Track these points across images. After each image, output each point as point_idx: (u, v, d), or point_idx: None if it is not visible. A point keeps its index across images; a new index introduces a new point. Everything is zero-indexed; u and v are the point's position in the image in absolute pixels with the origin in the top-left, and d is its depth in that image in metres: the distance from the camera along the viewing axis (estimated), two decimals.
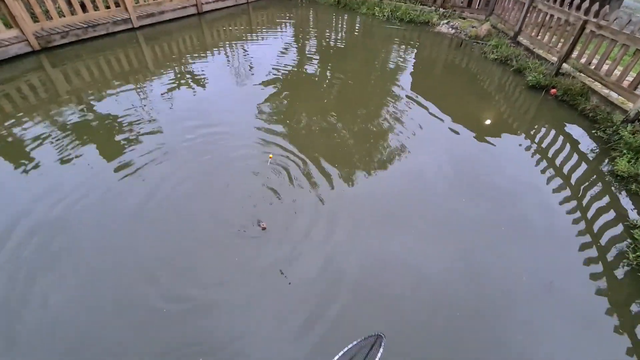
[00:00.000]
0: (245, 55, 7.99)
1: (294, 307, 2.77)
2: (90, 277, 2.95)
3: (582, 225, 3.67)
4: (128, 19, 8.76)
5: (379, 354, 1.79)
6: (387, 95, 6.35)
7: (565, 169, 4.54)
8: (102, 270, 3.01)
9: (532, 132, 5.39)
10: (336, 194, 3.90)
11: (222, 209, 3.64)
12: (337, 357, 1.98)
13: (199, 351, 2.45)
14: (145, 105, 5.59)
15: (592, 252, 3.36)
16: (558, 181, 4.31)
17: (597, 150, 4.93)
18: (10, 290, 2.81)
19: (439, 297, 2.90)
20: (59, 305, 2.72)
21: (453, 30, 9.94)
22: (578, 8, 6.45)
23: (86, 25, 7.95)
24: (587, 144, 5.06)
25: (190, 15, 10.37)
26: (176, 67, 7.11)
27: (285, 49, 8.52)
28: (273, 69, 7.23)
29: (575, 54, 6.43)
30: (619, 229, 3.63)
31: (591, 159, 4.77)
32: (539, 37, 7.52)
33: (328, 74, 7.27)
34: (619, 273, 3.17)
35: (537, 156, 4.80)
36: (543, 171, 4.50)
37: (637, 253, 3.23)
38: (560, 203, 3.97)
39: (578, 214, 3.81)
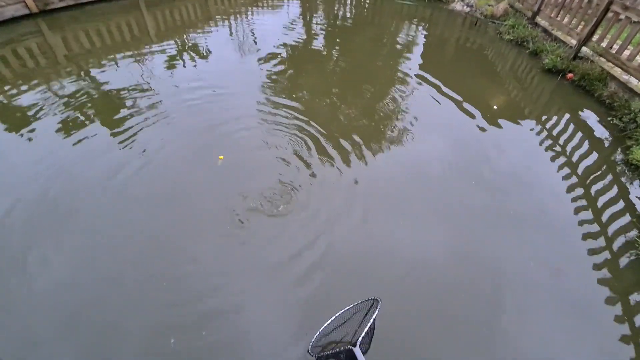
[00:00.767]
0: (249, 27, 7.69)
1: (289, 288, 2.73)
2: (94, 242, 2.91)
3: (590, 213, 3.56)
4: None
5: (374, 315, 1.90)
6: (395, 75, 6.12)
7: (576, 156, 4.39)
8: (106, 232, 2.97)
9: (544, 118, 5.20)
10: (338, 173, 3.80)
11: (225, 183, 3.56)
12: (334, 317, 2.09)
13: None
14: (145, 75, 5.41)
15: (600, 242, 3.27)
16: (568, 169, 4.17)
17: (611, 138, 4.75)
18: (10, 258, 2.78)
19: (444, 282, 2.84)
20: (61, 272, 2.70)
21: (468, 8, 9.49)
22: None
23: None
24: (601, 132, 4.88)
25: None
26: (177, 38, 6.86)
27: (292, 23, 8.19)
28: (278, 43, 6.95)
29: (596, 37, 6.11)
30: (627, 218, 3.53)
31: (605, 146, 4.60)
32: (559, 18, 7.15)
33: (334, 50, 6.99)
34: (624, 262, 3.09)
35: (548, 142, 4.63)
36: (553, 158, 4.35)
37: None
38: (570, 190, 3.85)
39: (587, 202, 3.69)
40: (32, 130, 4.11)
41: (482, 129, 4.78)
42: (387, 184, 3.72)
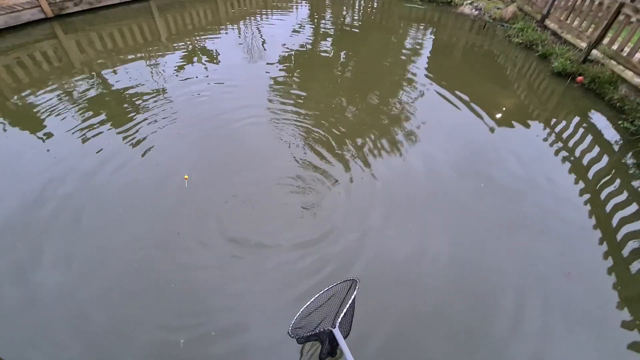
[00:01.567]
0: (258, 31, 7.79)
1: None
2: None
3: (600, 218, 3.53)
4: None
5: (353, 296, 1.93)
6: (402, 78, 6.14)
7: (586, 160, 4.35)
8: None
9: (553, 121, 5.16)
10: (345, 173, 3.83)
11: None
12: (313, 298, 2.13)
13: None
14: (156, 77, 5.53)
15: (610, 246, 3.24)
16: (578, 172, 4.13)
17: (622, 142, 4.70)
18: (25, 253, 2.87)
19: (453, 284, 2.85)
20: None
21: (477, 12, 9.47)
22: None
23: None
24: (611, 135, 4.82)
25: None
26: (188, 42, 6.98)
27: (300, 26, 8.27)
28: (287, 46, 7.03)
29: (606, 40, 6.06)
30: (637, 223, 3.48)
31: (615, 150, 4.56)
32: (568, 21, 7.10)
33: (342, 54, 7.04)
34: (635, 267, 3.05)
35: (558, 145, 4.60)
36: (563, 161, 4.32)
37: None
38: (580, 194, 3.82)
39: (596, 206, 3.66)
40: (47, 132, 4.22)
41: (491, 132, 4.77)
42: (394, 187, 3.73)
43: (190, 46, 6.75)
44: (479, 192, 3.75)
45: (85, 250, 2.94)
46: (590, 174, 4.12)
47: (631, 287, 2.90)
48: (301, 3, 9.94)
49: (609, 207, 3.67)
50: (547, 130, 4.93)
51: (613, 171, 4.20)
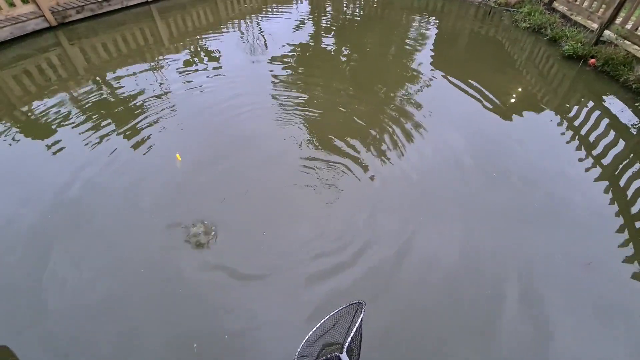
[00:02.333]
0: (260, 28, 7.73)
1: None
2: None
3: (618, 205, 3.41)
4: None
5: (360, 319, 1.85)
6: (407, 69, 6.02)
7: (602, 145, 4.20)
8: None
9: (566, 106, 5.00)
10: (352, 172, 3.77)
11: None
12: (319, 324, 2.08)
13: None
14: (160, 80, 5.53)
15: (631, 234, 3.12)
16: (594, 158, 4.00)
17: (639, 124, 4.53)
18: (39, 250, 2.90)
19: (472, 275, 2.79)
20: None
21: None
22: None
23: (101, 0, 7.85)
24: (628, 118, 4.66)
25: None
26: (190, 43, 6.96)
27: (302, 22, 8.18)
28: (288, 42, 6.96)
29: (619, 20, 5.84)
30: None
31: (633, 134, 4.39)
32: (578, 2, 6.87)
33: (345, 47, 6.94)
34: None
35: (571, 131, 4.46)
36: (578, 148, 4.18)
37: None
38: (596, 181, 3.70)
39: (615, 194, 3.53)
40: (55, 140, 4.26)
41: (501, 120, 4.65)
42: (405, 180, 3.66)
43: (192, 47, 6.73)
44: (491, 181, 3.66)
45: (96, 252, 2.95)
46: (607, 160, 3.97)
47: None
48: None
49: (629, 193, 3.53)
50: (560, 116, 4.78)
51: (631, 155, 4.05)
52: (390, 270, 2.82)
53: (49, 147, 4.14)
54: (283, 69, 5.91)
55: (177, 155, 3.38)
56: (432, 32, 7.63)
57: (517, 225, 3.21)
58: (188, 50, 6.59)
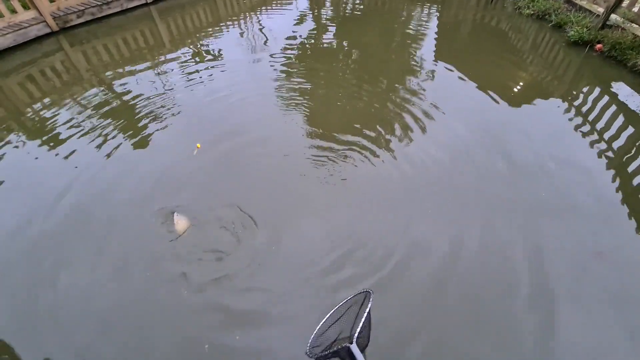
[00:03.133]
0: (259, 26, 7.70)
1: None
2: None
3: (628, 193, 3.36)
4: None
5: (368, 308, 1.88)
6: (409, 62, 5.96)
7: (612, 130, 4.13)
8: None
9: (573, 93, 4.92)
10: (352, 166, 3.77)
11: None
12: (328, 315, 2.10)
13: None
14: (163, 81, 5.55)
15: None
16: (601, 146, 3.93)
17: None
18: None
19: (481, 266, 2.79)
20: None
21: None
22: None
23: (101, 3, 7.87)
24: (636, 104, 4.56)
25: None
26: (190, 43, 6.96)
27: (301, 17, 8.12)
28: (288, 38, 6.92)
29: (626, 2, 5.70)
30: None
31: None
32: None
33: (346, 41, 6.89)
34: None
35: (579, 119, 4.39)
36: (585, 135, 4.12)
37: None
38: (606, 168, 3.64)
39: (624, 181, 3.48)
40: (60, 141, 4.31)
41: (507, 109, 4.60)
42: (411, 172, 3.65)
43: (193, 46, 6.73)
44: (498, 172, 3.63)
45: (107, 256, 3.00)
46: (616, 145, 3.91)
47: None
48: None
49: (637, 180, 3.48)
50: (567, 103, 4.70)
51: None
52: (400, 261, 2.82)
53: (54, 150, 4.19)
54: (283, 64, 5.89)
55: (198, 145, 3.62)
56: (434, 22, 7.53)
57: (524, 216, 3.17)
58: (189, 50, 6.59)
